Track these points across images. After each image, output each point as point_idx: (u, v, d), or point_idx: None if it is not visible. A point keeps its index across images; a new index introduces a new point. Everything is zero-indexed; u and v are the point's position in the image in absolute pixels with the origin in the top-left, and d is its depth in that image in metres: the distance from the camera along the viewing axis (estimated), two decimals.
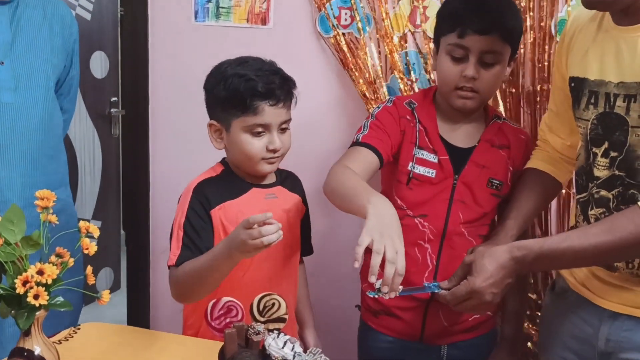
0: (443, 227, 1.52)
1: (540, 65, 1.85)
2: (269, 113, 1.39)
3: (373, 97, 1.96)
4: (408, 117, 1.55)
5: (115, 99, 3.15)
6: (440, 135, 1.53)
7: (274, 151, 1.42)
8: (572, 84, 1.32)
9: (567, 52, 1.36)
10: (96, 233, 1.13)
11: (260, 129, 1.39)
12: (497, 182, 1.54)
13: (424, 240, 1.53)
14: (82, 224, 1.16)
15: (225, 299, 1.17)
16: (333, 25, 1.96)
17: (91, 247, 1.12)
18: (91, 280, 1.13)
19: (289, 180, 1.56)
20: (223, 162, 1.52)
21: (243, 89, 1.37)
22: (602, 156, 1.24)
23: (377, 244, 1.15)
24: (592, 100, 1.25)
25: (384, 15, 1.93)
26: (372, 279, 1.15)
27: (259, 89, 1.37)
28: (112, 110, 3.13)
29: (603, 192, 1.24)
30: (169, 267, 1.40)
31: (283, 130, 1.44)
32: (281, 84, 1.41)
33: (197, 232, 1.39)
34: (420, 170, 1.51)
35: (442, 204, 1.52)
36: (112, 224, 3.30)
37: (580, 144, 1.32)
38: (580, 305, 1.34)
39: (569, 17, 1.84)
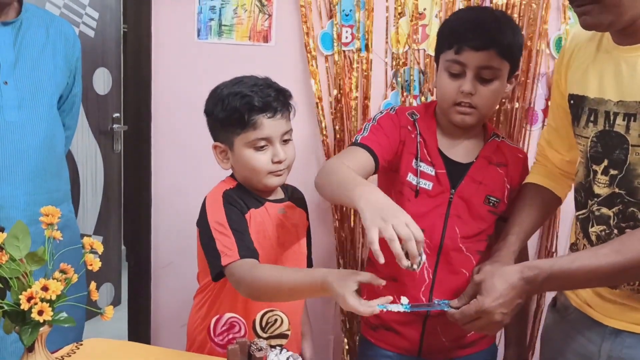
0: (439, 241, 1.52)
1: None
2: (269, 126, 1.41)
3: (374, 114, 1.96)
4: (409, 127, 1.55)
5: (117, 115, 3.17)
6: (439, 149, 1.54)
7: (279, 162, 1.43)
8: (572, 101, 1.33)
9: (567, 70, 1.37)
10: (100, 249, 1.14)
11: (262, 143, 1.41)
12: (494, 199, 1.55)
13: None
14: (86, 240, 1.16)
15: (227, 315, 1.18)
16: (332, 45, 1.97)
17: (95, 263, 1.12)
18: (95, 296, 1.14)
19: (295, 195, 1.58)
20: (233, 176, 1.52)
21: (240, 106, 1.39)
22: (602, 174, 1.24)
23: (386, 231, 1.12)
24: (592, 118, 1.26)
25: (385, 33, 1.95)
26: (405, 263, 1.14)
27: (255, 103, 1.39)
28: (114, 126, 3.14)
29: (604, 210, 1.25)
30: (226, 266, 1.34)
31: (286, 142, 1.46)
32: (276, 96, 1.43)
33: (242, 228, 1.38)
34: (421, 183, 1.53)
35: (439, 218, 1.53)
36: (113, 240, 3.29)
37: (580, 160, 1.33)
38: (583, 323, 1.34)
39: (567, 35, 1.86)
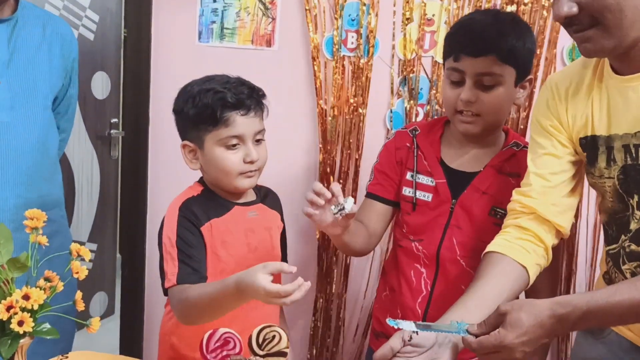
0: (436, 251, 1.48)
1: None
2: (241, 123, 1.37)
3: (379, 122, 1.93)
4: (407, 144, 1.55)
5: (115, 120, 3.11)
6: (440, 159, 1.51)
7: (251, 163, 1.39)
8: (585, 143, 1.24)
9: (567, 113, 1.26)
10: (87, 256, 1.08)
11: (234, 141, 1.37)
12: (502, 211, 1.46)
13: (420, 264, 1.51)
14: (73, 246, 1.11)
15: (222, 330, 1.11)
16: (335, 51, 1.94)
17: (81, 271, 1.06)
18: (80, 306, 1.07)
19: (269, 197, 1.54)
20: (201, 181, 1.48)
21: (212, 102, 1.36)
22: (637, 208, 1.16)
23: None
24: (612, 156, 1.18)
25: (392, 39, 1.91)
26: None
27: (229, 99, 1.36)
28: (112, 131, 3.08)
29: (633, 247, 1.17)
30: (168, 289, 1.35)
31: (258, 142, 1.42)
32: (250, 93, 1.39)
33: (191, 247, 1.36)
34: (418, 195, 1.51)
35: (438, 228, 1.50)
36: (108, 248, 3.22)
37: (607, 198, 1.23)
38: (622, 347, 1.25)
39: None
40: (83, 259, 1.07)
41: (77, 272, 1.05)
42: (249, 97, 1.38)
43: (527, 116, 1.89)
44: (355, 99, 1.94)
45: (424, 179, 1.50)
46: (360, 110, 1.95)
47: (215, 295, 1.24)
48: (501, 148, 1.52)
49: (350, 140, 1.97)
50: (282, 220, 1.56)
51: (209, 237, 1.39)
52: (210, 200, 1.43)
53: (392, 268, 1.60)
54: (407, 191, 1.52)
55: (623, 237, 1.20)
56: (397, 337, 1.12)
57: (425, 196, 1.50)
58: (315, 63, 1.96)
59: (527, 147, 1.49)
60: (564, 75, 1.28)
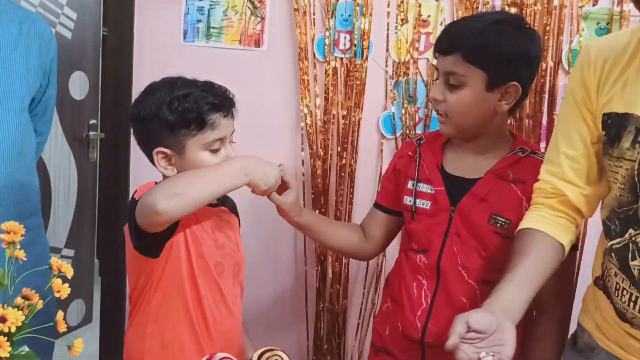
0: (437, 261, 1.44)
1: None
2: (224, 125, 1.35)
3: (373, 125, 1.88)
4: (410, 153, 1.54)
5: (94, 121, 3.06)
6: (441, 166, 1.47)
7: None
8: (608, 121, 1.18)
9: (599, 86, 1.21)
10: (70, 273, 0.99)
11: (218, 145, 1.35)
12: (503, 219, 1.41)
13: (421, 276, 1.47)
14: (53, 261, 1.01)
15: (220, 355, 1.04)
16: (326, 53, 1.88)
17: (63, 290, 0.97)
18: (62, 327, 0.99)
19: (228, 201, 1.51)
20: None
21: (197, 106, 1.31)
22: None
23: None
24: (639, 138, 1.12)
25: (386, 40, 1.86)
26: None
27: (215, 102, 1.33)
28: (90, 133, 3.03)
29: None
30: (142, 197, 1.26)
31: (231, 144, 1.40)
32: (223, 93, 1.37)
33: None
34: (418, 203, 1.48)
35: (438, 238, 1.45)
36: (85, 253, 3.16)
37: (616, 186, 1.18)
38: None
39: (580, 48, 1.76)
40: (65, 276, 0.98)
41: (58, 291, 0.96)
42: (225, 98, 1.36)
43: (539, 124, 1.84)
44: (348, 102, 1.88)
45: (423, 187, 1.47)
46: (353, 115, 1.89)
47: (219, 166, 1.30)
48: (506, 154, 1.47)
49: (345, 145, 1.92)
50: (239, 226, 1.55)
51: (184, 229, 1.35)
52: None
53: (395, 279, 1.57)
54: (407, 200, 1.50)
55: (632, 230, 1.13)
56: (461, 322, 1.08)
57: (424, 204, 1.47)
58: (306, 65, 1.90)
59: (534, 153, 1.45)
60: (607, 43, 1.21)
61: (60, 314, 0.99)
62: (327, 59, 1.89)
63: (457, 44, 1.35)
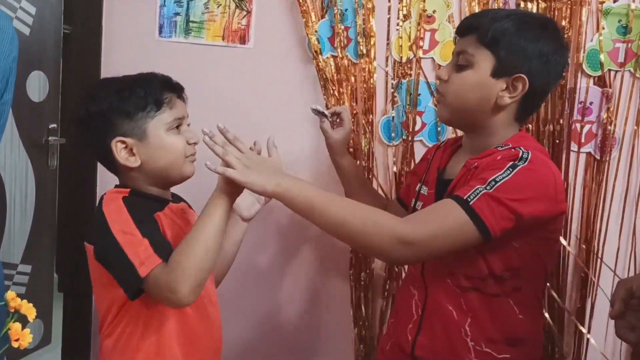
0: (421, 270, 1.38)
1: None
2: (181, 106, 1.39)
3: (369, 131, 1.77)
4: (429, 156, 1.53)
5: (54, 125, 2.87)
6: (443, 169, 1.43)
7: (195, 144, 1.39)
8: None
9: None
10: (31, 315, 0.79)
11: (177, 125, 1.37)
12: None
13: (413, 286, 1.42)
14: (9, 297, 0.82)
15: None
16: (318, 50, 1.76)
17: (24, 338, 0.77)
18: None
19: (182, 199, 1.52)
20: (121, 186, 1.40)
21: (150, 87, 1.35)
22: None
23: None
24: None
25: (387, 38, 1.76)
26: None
27: (164, 80, 1.38)
28: (50, 138, 2.86)
29: None
30: (147, 276, 1.21)
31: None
32: (170, 78, 1.41)
33: (154, 233, 1.27)
34: (417, 205, 1.46)
35: None
36: (44, 269, 2.96)
37: None
38: None
39: (600, 47, 1.66)
40: (26, 319, 0.78)
41: (16, 339, 0.76)
42: (175, 82, 1.41)
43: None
44: (346, 104, 1.77)
45: (423, 189, 1.45)
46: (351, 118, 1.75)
47: (209, 218, 1.24)
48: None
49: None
50: None
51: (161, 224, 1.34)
52: (144, 198, 1.37)
53: (398, 291, 1.57)
54: (413, 202, 1.47)
55: None
56: (623, 287, 1.05)
57: (420, 206, 1.43)
58: (297, 64, 1.82)
59: (514, 148, 1.29)
60: None
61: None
62: (321, 57, 1.78)
63: (475, 26, 1.32)
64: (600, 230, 1.76)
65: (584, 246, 1.75)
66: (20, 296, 0.85)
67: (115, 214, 1.28)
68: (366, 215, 1.21)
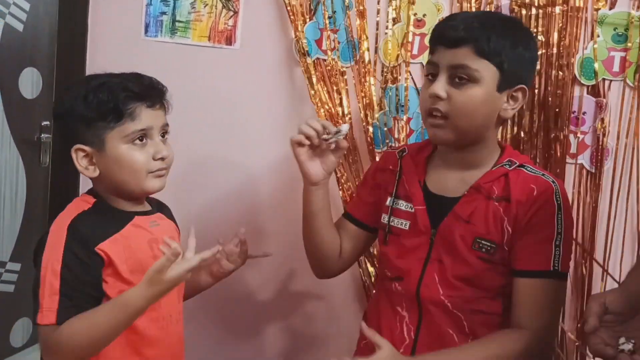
0: (416, 290, 1.32)
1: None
2: (149, 116, 1.29)
3: (357, 137, 1.76)
4: (391, 167, 1.44)
5: (46, 123, 2.83)
6: (424, 182, 1.37)
7: (162, 160, 1.31)
8: None
9: None
10: None
11: (141, 137, 1.29)
12: (488, 243, 1.28)
13: (401, 307, 1.36)
14: None
15: None
16: (306, 52, 1.75)
17: None
18: None
19: (164, 207, 1.47)
20: (92, 192, 1.36)
21: (113, 94, 1.27)
22: None
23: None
24: None
25: (375, 41, 1.75)
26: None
27: (134, 89, 1.28)
28: (42, 135, 2.81)
29: None
30: (43, 325, 1.20)
31: (164, 138, 1.35)
32: (150, 84, 1.33)
33: (78, 279, 1.22)
34: (394, 222, 1.38)
35: (417, 263, 1.33)
36: (33, 268, 2.92)
37: None
38: None
39: (595, 56, 1.63)
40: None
41: None
42: (151, 88, 1.32)
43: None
44: (333, 110, 1.75)
45: (402, 205, 1.37)
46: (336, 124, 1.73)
47: (116, 313, 1.18)
48: (491, 167, 1.33)
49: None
50: (178, 231, 1.49)
51: (107, 256, 1.27)
52: (105, 213, 1.32)
53: (373, 312, 1.44)
54: (384, 218, 1.39)
55: None
56: (597, 302, 1.05)
57: (403, 224, 1.36)
58: (284, 67, 1.81)
59: (523, 167, 1.31)
60: None
61: None
62: (308, 60, 1.75)
63: (470, 36, 1.25)
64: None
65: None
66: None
67: (54, 242, 1.25)
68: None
